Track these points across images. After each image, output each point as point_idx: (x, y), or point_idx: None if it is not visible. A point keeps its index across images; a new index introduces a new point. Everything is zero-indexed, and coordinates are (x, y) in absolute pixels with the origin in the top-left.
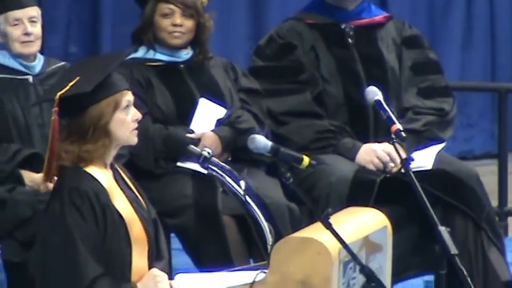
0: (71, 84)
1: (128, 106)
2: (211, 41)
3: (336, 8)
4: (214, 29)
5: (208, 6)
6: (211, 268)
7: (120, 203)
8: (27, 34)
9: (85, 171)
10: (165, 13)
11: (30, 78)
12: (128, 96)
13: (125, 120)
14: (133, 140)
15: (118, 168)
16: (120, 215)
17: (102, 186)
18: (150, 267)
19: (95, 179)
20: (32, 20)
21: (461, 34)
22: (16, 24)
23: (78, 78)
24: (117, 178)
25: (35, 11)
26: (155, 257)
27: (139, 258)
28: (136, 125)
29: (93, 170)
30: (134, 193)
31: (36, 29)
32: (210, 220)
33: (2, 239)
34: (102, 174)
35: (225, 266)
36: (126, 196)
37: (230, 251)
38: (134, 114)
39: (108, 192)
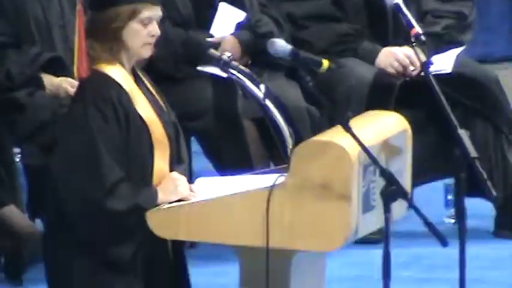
0: None
1: (149, 20)
2: None
3: None
4: None
5: None
6: (231, 171)
7: (142, 106)
8: None
9: (107, 74)
10: None
11: None
12: (152, 11)
13: (139, 32)
14: (145, 54)
15: (140, 74)
16: (142, 119)
17: (124, 89)
18: (171, 171)
19: (117, 82)
20: None
21: None
22: None
23: None
24: (139, 82)
25: None
26: (176, 161)
27: (160, 161)
28: (152, 40)
29: (116, 74)
30: (155, 97)
31: None
32: (229, 123)
33: (22, 143)
34: (124, 78)
35: (245, 169)
36: (148, 100)
37: (250, 154)
38: (153, 29)
39: (130, 95)
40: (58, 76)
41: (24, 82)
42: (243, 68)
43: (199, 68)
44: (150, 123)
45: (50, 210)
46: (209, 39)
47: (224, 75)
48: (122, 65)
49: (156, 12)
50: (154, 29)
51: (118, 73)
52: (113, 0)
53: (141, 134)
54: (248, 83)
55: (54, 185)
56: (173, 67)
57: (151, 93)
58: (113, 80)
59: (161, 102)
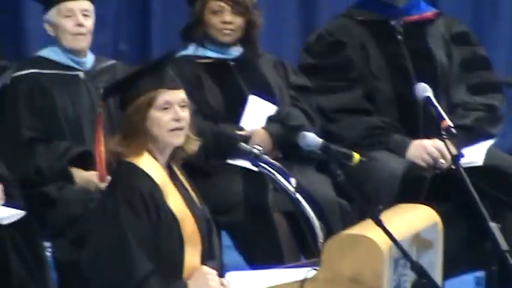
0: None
1: (167, 104)
2: (260, 38)
3: (385, 4)
4: (264, 26)
5: (258, 2)
6: (262, 265)
7: (174, 201)
8: (79, 25)
9: (139, 167)
10: (215, 10)
11: (81, 74)
12: (169, 95)
13: (161, 119)
14: (173, 140)
15: (174, 167)
16: (173, 214)
17: (156, 183)
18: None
19: (149, 176)
20: (84, 14)
21: (511, 30)
22: (68, 16)
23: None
24: (173, 176)
25: (87, 5)
26: (207, 256)
27: (192, 257)
28: (177, 125)
29: (148, 167)
30: (189, 192)
31: (89, 22)
32: (260, 217)
33: (52, 238)
34: (156, 171)
35: (276, 263)
36: (180, 194)
37: (281, 248)
38: (175, 114)
39: (162, 189)
40: (88, 170)
41: (54, 176)
42: (273, 161)
43: (229, 161)
44: (181, 218)
45: None
46: (239, 133)
47: (254, 168)
48: (154, 157)
49: (176, 96)
50: (177, 113)
51: (149, 165)
52: (129, 95)
53: (172, 229)
54: (278, 177)
55: (85, 279)
56: (204, 160)
57: (185, 187)
58: (145, 173)
59: (195, 198)
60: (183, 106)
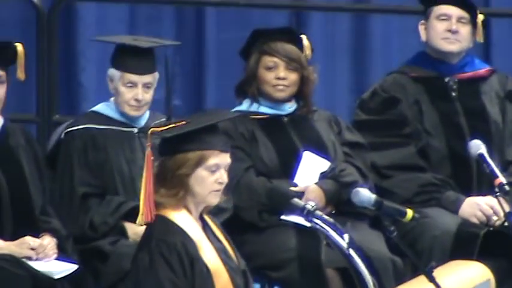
0: (172, 125)
1: (216, 167)
2: (314, 94)
3: (439, 61)
4: (318, 82)
5: (311, 59)
6: None
7: (208, 254)
8: (137, 100)
9: (172, 221)
10: (269, 66)
11: (135, 131)
12: (220, 159)
13: (206, 179)
14: (212, 201)
15: (207, 219)
16: (207, 267)
17: (189, 237)
18: None
19: (183, 229)
20: (146, 85)
21: None
22: (129, 87)
23: (183, 122)
24: (206, 229)
25: (151, 78)
26: None
27: None
28: (219, 187)
29: (181, 220)
30: (223, 244)
31: (148, 95)
32: (313, 273)
33: None
34: (190, 225)
35: None
36: (214, 247)
37: None
38: (220, 177)
39: (195, 243)
40: (141, 225)
41: (108, 231)
42: (326, 217)
43: (282, 217)
44: (215, 271)
45: None
46: (293, 189)
47: (308, 224)
48: (189, 211)
49: (225, 159)
50: (222, 176)
51: (184, 219)
52: (182, 146)
53: (206, 282)
54: (332, 233)
55: None
56: (257, 217)
57: (218, 240)
58: (179, 226)
59: (229, 249)
60: (226, 170)
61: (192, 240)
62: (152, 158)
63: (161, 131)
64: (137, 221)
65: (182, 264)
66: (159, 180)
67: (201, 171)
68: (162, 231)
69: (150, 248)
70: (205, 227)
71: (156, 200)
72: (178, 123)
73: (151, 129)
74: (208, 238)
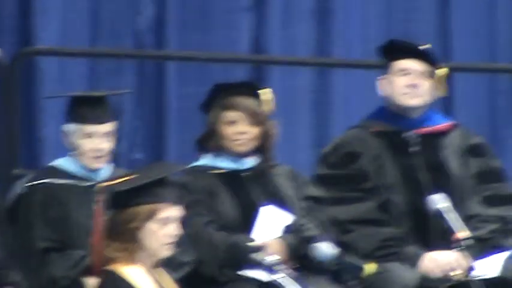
0: (122, 179)
1: (167, 220)
2: (275, 148)
3: (400, 116)
4: (279, 136)
5: (272, 114)
6: None
7: None
8: (97, 150)
9: (123, 278)
10: (229, 121)
11: (94, 185)
12: (171, 212)
13: (157, 232)
14: (164, 254)
15: (160, 274)
16: None
17: None
18: None
19: (133, 286)
20: (106, 135)
21: None
22: (88, 138)
23: (132, 176)
24: (161, 280)
25: (110, 127)
26: None
27: None
28: (171, 240)
29: (133, 275)
30: None
31: (107, 145)
32: None
33: None
34: (142, 279)
35: None
36: None
37: None
38: (173, 230)
39: None
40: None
41: (68, 286)
42: (287, 271)
43: (240, 272)
44: None
45: None
46: (252, 244)
47: (267, 279)
48: (141, 264)
49: (175, 212)
50: (174, 229)
51: (136, 274)
52: (132, 200)
53: None
54: (293, 287)
55: None
56: (217, 271)
57: None
58: (129, 283)
59: None
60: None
61: None
62: (102, 212)
63: (111, 184)
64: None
65: None
66: (110, 234)
67: (151, 225)
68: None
69: None
70: (156, 280)
71: (108, 255)
72: (128, 177)
73: (100, 184)
74: None
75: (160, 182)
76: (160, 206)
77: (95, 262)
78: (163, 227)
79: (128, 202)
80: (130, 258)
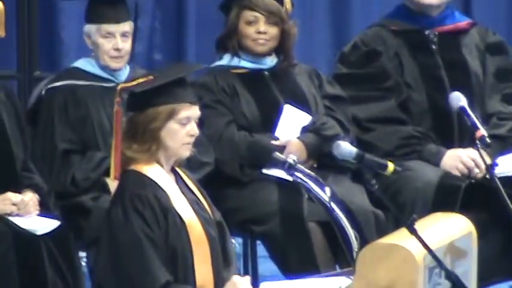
0: (141, 80)
1: (187, 120)
2: (294, 48)
3: (419, 14)
4: (298, 36)
5: (291, 13)
6: (297, 275)
7: (181, 205)
8: (117, 49)
9: (145, 175)
10: (249, 20)
11: (116, 87)
12: (191, 111)
13: (177, 132)
14: (184, 153)
15: (180, 172)
16: (180, 217)
17: (162, 189)
18: (214, 272)
19: (155, 182)
20: (124, 35)
21: None
22: (107, 37)
23: (150, 77)
24: (179, 181)
25: (128, 26)
26: (222, 262)
27: (201, 261)
28: (191, 140)
29: (154, 173)
30: (196, 196)
31: (127, 45)
32: (295, 227)
33: (87, 248)
34: (162, 177)
35: (311, 273)
36: (187, 199)
37: (316, 257)
38: (191, 130)
39: (168, 195)
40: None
41: (89, 187)
42: (308, 171)
43: (264, 171)
44: (188, 222)
45: None
46: (274, 142)
47: (289, 178)
48: (160, 164)
49: (195, 112)
50: (193, 129)
51: (156, 173)
52: (151, 101)
53: (180, 232)
54: (313, 186)
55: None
56: (239, 171)
57: (192, 192)
58: (151, 180)
59: (203, 201)
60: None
61: (165, 193)
62: (122, 114)
63: (131, 86)
64: (110, 177)
65: (156, 216)
66: (130, 135)
67: (172, 124)
68: (135, 185)
69: (124, 202)
70: (178, 179)
71: (129, 156)
72: (147, 78)
73: (120, 85)
74: (181, 190)
75: (180, 82)
76: (180, 106)
77: (116, 163)
78: (183, 126)
79: (148, 103)
80: (152, 159)
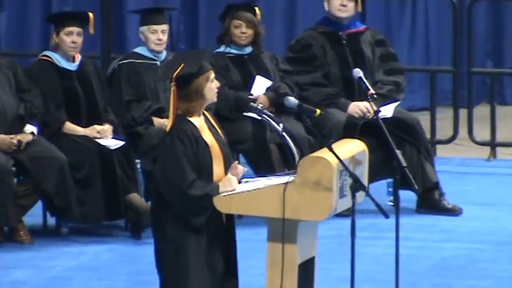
0: (180, 68)
1: (213, 79)
2: (263, 42)
3: (336, 22)
4: (264, 35)
5: (261, 20)
6: (263, 175)
7: (207, 135)
8: (159, 40)
9: (186, 118)
10: (236, 25)
11: (158, 63)
12: (213, 74)
13: (212, 88)
14: (214, 99)
15: (207, 115)
16: (206, 142)
17: (195, 126)
18: (225, 174)
19: (192, 122)
20: (163, 31)
21: (408, 35)
22: (153, 33)
23: (182, 64)
24: (206, 121)
25: (165, 26)
26: (228, 167)
27: (218, 168)
28: (217, 90)
29: (196, 121)
30: (216, 129)
31: (165, 37)
32: (262, 147)
33: (141, 157)
34: (197, 119)
35: (271, 173)
36: (211, 131)
37: (274, 165)
38: (216, 83)
39: (199, 129)
40: (162, 118)
41: (142, 122)
42: (269, 113)
43: (244, 113)
44: (211, 145)
45: (156, 196)
46: (250, 97)
47: (259, 118)
48: (198, 112)
49: (213, 74)
50: (216, 83)
51: (197, 121)
52: (193, 76)
53: (205, 152)
54: (273, 123)
55: (157, 182)
56: (229, 113)
57: (213, 126)
58: (189, 121)
59: (220, 132)
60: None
61: (197, 128)
62: (175, 94)
63: (181, 75)
64: (167, 128)
65: (191, 142)
66: (186, 99)
67: (209, 84)
68: (180, 124)
69: (172, 134)
70: (206, 119)
71: (191, 110)
72: (181, 65)
73: (173, 76)
74: (207, 125)
75: (203, 58)
76: (210, 72)
77: (171, 117)
78: (213, 83)
79: (192, 77)
80: (195, 112)
